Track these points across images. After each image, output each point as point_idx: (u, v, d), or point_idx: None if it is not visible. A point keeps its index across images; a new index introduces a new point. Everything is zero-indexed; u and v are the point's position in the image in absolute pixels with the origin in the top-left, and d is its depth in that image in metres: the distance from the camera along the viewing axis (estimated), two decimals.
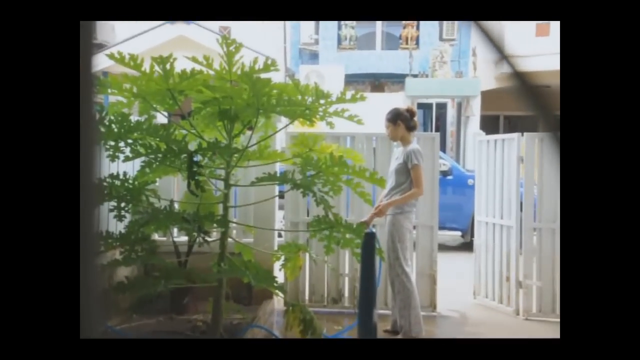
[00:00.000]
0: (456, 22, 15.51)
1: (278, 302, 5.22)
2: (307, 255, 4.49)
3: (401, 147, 4.44)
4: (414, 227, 4.84)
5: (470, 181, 8.19)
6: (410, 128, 4.42)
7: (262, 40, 13.29)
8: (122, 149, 3.32)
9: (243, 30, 13.59)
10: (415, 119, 4.49)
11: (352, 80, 15.57)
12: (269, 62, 3.17)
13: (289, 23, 15.82)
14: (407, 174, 4.29)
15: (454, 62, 14.99)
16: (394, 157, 4.51)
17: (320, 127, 4.10)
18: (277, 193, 5.03)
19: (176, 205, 4.20)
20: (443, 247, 8.06)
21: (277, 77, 4.30)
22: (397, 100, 14.24)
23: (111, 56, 3.09)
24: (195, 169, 3.16)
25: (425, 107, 15.99)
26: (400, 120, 4.39)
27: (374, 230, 4.19)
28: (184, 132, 3.52)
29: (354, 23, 16.12)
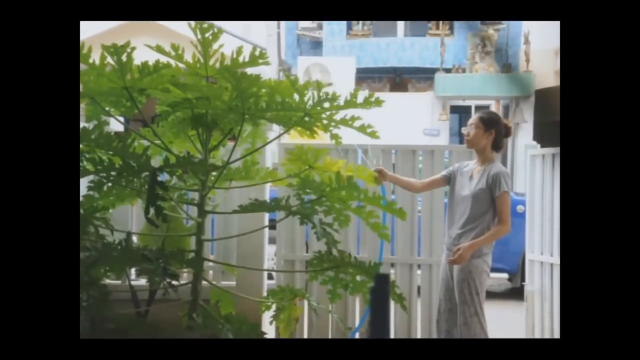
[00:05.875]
0: None
1: None
2: (306, 303, 4.47)
3: (477, 166, 4.46)
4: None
5: (520, 208, 8.17)
6: (498, 146, 4.46)
7: (248, 24, 13.39)
8: None
9: None
10: (505, 140, 4.57)
11: (365, 76, 15.68)
12: (257, 52, 3.18)
13: None
14: (490, 203, 4.30)
15: (499, 52, 15.06)
16: (462, 177, 4.51)
17: (324, 137, 4.14)
18: (267, 222, 5.03)
19: (135, 239, 4.19)
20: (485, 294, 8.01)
21: (268, 72, 4.32)
22: (424, 101, 14.31)
23: None
24: (158, 192, 3.15)
25: (460, 110, 16.06)
26: (495, 130, 4.43)
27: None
28: (146, 143, 3.53)
29: None
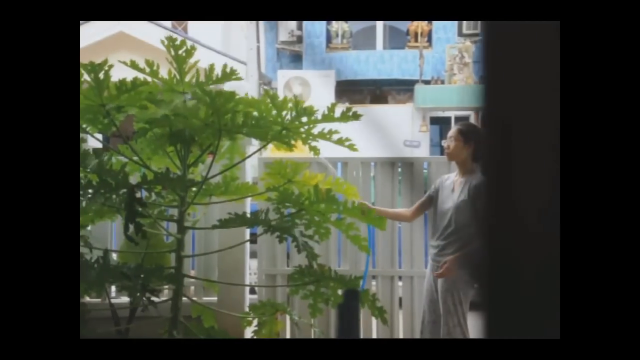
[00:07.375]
0: None
1: None
2: (288, 317, 4.45)
3: (458, 178, 4.46)
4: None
5: None
6: (478, 157, 4.45)
7: (228, 38, 13.39)
8: None
9: (204, 25, 13.69)
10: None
11: (346, 88, 15.70)
12: (228, 69, 3.18)
13: None
14: (473, 214, 4.30)
15: (477, 63, 15.14)
16: (444, 190, 4.50)
17: (305, 150, 4.15)
18: (247, 237, 5.01)
19: (115, 256, 4.16)
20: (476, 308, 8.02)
21: (248, 86, 4.32)
22: (404, 113, 14.36)
23: None
24: (137, 209, 3.13)
25: (441, 122, 16.14)
26: (474, 141, 4.42)
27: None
28: (124, 159, 3.51)
29: None
